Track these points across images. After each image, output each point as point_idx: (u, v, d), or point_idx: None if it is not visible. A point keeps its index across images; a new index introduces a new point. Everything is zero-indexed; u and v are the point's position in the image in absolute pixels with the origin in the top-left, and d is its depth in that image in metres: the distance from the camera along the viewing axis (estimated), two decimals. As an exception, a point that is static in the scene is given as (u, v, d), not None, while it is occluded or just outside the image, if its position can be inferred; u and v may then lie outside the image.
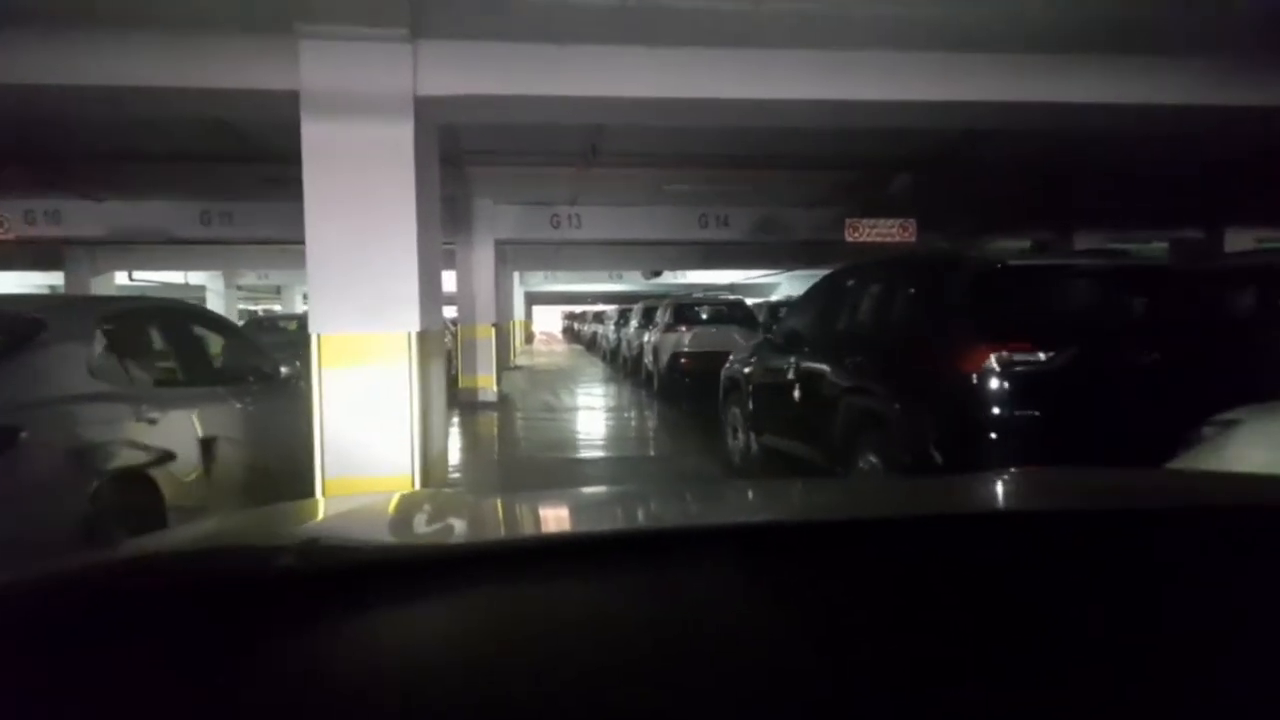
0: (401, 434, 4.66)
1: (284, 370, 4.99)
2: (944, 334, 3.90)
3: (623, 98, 4.80)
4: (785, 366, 5.34)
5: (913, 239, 9.70)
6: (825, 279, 5.60)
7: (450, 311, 14.05)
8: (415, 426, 4.69)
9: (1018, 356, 3.59)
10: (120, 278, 21.77)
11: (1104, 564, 0.74)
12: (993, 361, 3.60)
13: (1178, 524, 0.86)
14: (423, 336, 4.78)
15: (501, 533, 1.03)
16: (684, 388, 12.92)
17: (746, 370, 6.14)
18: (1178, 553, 0.78)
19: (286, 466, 4.74)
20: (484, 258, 12.47)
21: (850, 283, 5.04)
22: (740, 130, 7.50)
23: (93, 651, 0.57)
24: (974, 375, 3.64)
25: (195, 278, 25.55)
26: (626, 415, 11.56)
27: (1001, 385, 3.60)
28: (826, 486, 2.03)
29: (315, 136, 4.57)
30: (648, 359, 14.50)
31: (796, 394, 5.17)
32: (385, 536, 1.00)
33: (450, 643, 0.60)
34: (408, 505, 1.21)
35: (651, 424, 10.59)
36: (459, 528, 1.02)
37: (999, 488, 1.36)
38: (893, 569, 0.73)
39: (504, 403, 12.36)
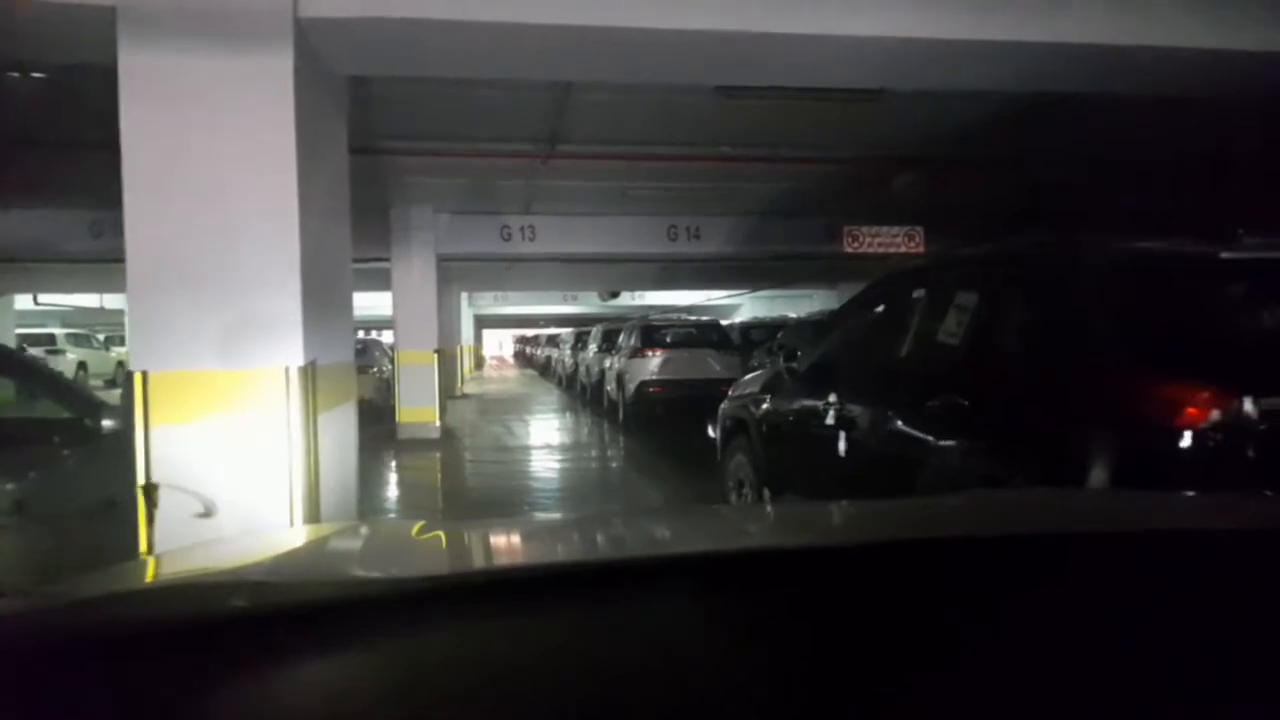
0: (276, 507, 3.13)
1: (109, 424, 3.42)
2: (1119, 365, 2.51)
3: (609, 29, 3.37)
4: (821, 407, 3.92)
5: (920, 249, 8.43)
6: (874, 286, 4.21)
7: (391, 338, 12.46)
8: (298, 496, 3.17)
9: (1265, 402, 2.21)
10: (25, 301, 19.74)
11: (1049, 588, 0.73)
12: (1222, 410, 2.21)
13: (1157, 547, 0.84)
14: (313, 372, 3.26)
15: (456, 565, 0.98)
16: (654, 420, 11.49)
17: (758, 410, 4.70)
18: (1158, 577, 0.75)
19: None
20: (424, 275, 10.91)
21: (919, 291, 3.64)
22: (725, 114, 6.15)
23: (31, 701, 0.56)
24: (1185, 432, 2.25)
25: (114, 301, 23.42)
26: (590, 455, 10.05)
27: (1236, 447, 2.22)
28: (792, 512, 1.86)
29: (140, 72, 3.05)
30: (610, 387, 13.04)
31: (842, 445, 3.74)
32: (337, 572, 0.93)
33: (404, 679, 0.58)
34: (360, 537, 1.19)
35: (621, 466, 9.10)
36: (413, 561, 0.97)
37: (970, 510, 1.35)
38: (852, 595, 0.72)
39: (448, 439, 10.77)
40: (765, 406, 4.64)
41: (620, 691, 0.56)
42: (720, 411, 5.47)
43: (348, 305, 4.14)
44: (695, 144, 6.98)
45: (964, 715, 0.54)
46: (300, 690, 0.57)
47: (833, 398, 3.88)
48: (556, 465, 8.96)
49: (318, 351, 3.34)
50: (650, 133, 6.68)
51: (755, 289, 21.44)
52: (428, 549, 1.05)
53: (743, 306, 27.86)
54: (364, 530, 1.38)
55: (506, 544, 1.12)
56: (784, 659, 0.60)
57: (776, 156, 7.02)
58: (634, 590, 0.70)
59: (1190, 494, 1.24)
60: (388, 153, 6.71)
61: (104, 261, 12.20)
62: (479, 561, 1.02)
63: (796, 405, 4.28)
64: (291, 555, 1.05)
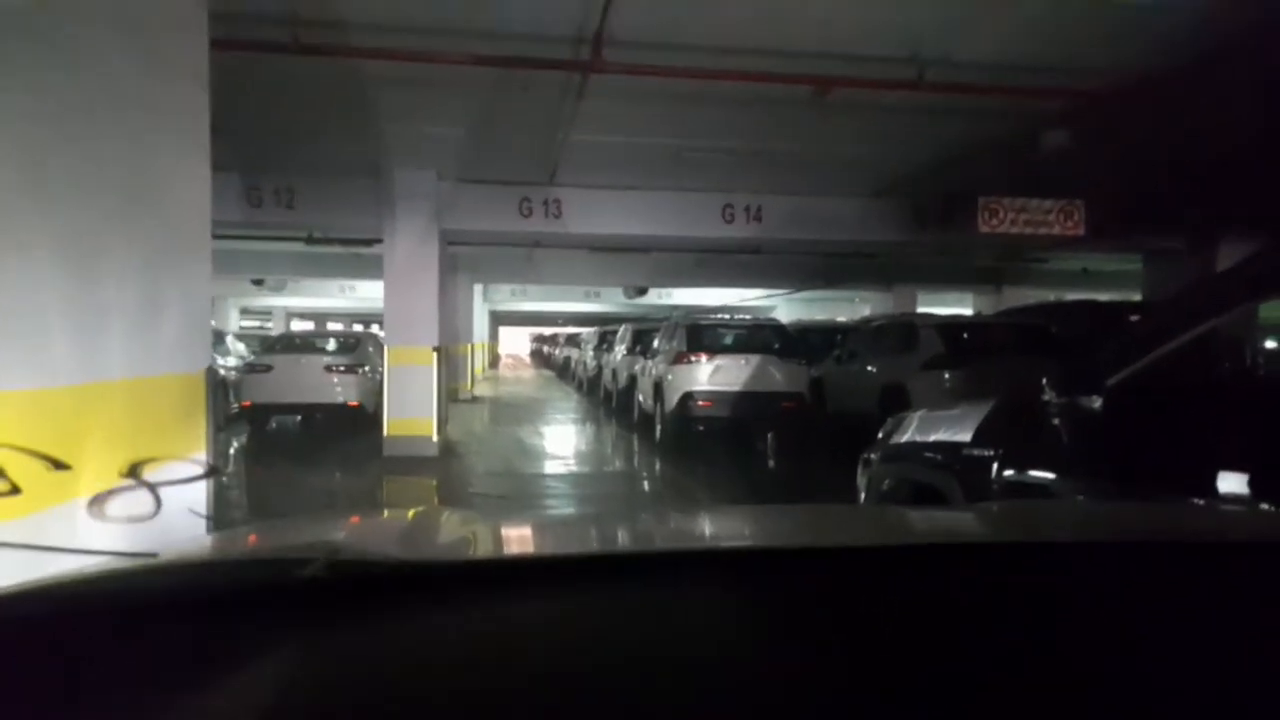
0: None
1: None
2: None
3: None
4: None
5: (1078, 230, 6.23)
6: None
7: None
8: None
9: None
10: None
11: (1088, 594, 0.75)
12: None
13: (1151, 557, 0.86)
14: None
15: (510, 550, 1.03)
16: (700, 441, 9.37)
17: (978, 478, 2.52)
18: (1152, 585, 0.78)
19: None
20: (422, 254, 8.83)
21: None
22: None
23: (104, 663, 0.59)
24: None
25: None
26: (626, 489, 7.87)
27: None
28: (816, 511, 1.71)
29: None
30: (643, 397, 10.92)
31: None
32: (402, 550, 0.94)
33: (459, 651, 0.62)
34: (427, 521, 1.23)
35: (669, 506, 6.93)
36: (472, 544, 1.01)
37: (986, 519, 1.38)
38: (876, 596, 0.74)
39: (447, 459, 8.70)
40: (1002, 474, 2.47)
41: (656, 666, 0.60)
42: (867, 467, 3.33)
43: (195, 280, 2.06)
44: (802, 55, 4.82)
45: (975, 712, 0.55)
46: (362, 653, 0.60)
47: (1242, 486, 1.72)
48: (584, 502, 6.83)
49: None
50: (743, 29, 4.50)
51: (801, 288, 19.21)
52: (492, 535, 1.08)
53: (776, 309, 25.68)
54: (433, 514, 1.40)
55: (565, 534, 1.20)
56: (805, 651, 0.63)
57: (917, 83, 4.84)
58: (676, 580, 0.75)
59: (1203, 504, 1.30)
60: (353, 54, 4.58)
61: None
62: (544, 548, 1.06)
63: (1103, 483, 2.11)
64: (364, 531, 1.12)
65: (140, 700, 0.56)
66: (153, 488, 0.92)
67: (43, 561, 0.91)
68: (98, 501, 0.93)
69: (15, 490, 0.88)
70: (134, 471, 0.97)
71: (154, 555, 0.85)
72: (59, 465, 1.18)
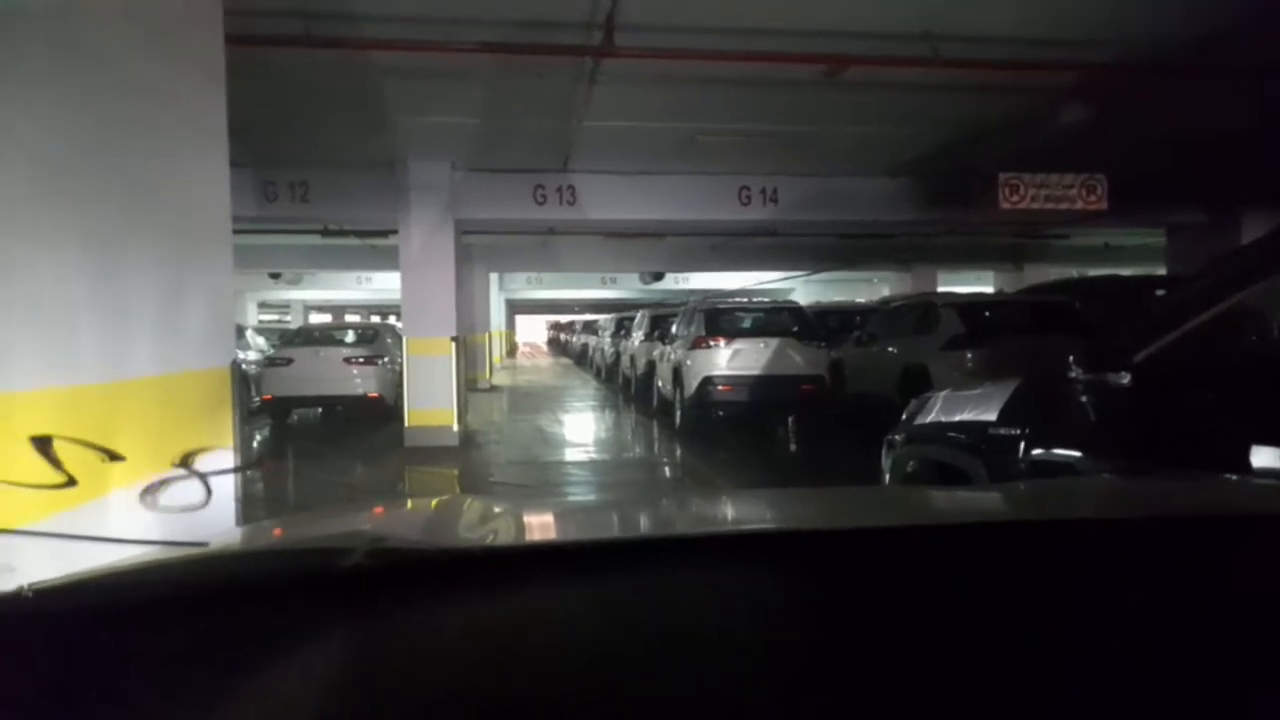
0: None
1: None
2: None
3: None
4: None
5: (1103, 206, 6.13)
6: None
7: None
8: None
9: None
10: None
11: (1100, 573, 0.76)
12: None
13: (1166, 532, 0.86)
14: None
15: (538, 536, 1.05)
16: (720, 426, 9.36)
17: (1008, 459, 2.50)
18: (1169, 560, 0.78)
19: None
20: (438, 244, 8.84)
21: None
22: None
23: (158, 650, 0.61)
24: None
25: None
26: (649, 477, 7.87)
27: None
28: (825, 495, 1.68)
29: None
30: (662, 382, 10.91)
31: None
32: (440, 538, 0.98)
33: (497, 634, 0.63)
34: (456, 509, 1.26)
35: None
36: (501, 531, 1.03)
37: (1012, 499, 1.39)
38: (899, 576, 0.75)
39: (467, 448, 8.73)
40: (1029, 453, 2.45)
41: (691, 646, 0.61)
42: (892, 449, 3.31)
43: (218, 275, 2.08)
44: (814, 34, 4.76)
45: (975, 696, 0.55)
46: (404, 639, 0.63)
47: None
48: (606, 489, 6.85)
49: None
50: (754, 9, 4.45)
51: (819, 270, 19.09)
52: (524, 522, 1.09)
53: (794, 291, 25.57)
54: (459, 503, 1.42)
55: (590, 520, 1.24)
56: (828, 632, 0.65)
57: (932, 59, 4.78)
58: (699, 563, 0.77)
59: (1235, 479, 1.35)
60: (364, 46, 4.57)
61: None
62: (573, 533, 1.10)
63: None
64: (401, 520, 1.16)
65: (187, 691, 0.56)
66: (203, 477, 0.93)
67: (88, 552, 0.92)
68: (149, 491, 0.93)
69: (72, 482, 0.89)
70: (185, 462, 0.98)
71: (204, 544, 0.86)
72: (114, 457, 1.19)
